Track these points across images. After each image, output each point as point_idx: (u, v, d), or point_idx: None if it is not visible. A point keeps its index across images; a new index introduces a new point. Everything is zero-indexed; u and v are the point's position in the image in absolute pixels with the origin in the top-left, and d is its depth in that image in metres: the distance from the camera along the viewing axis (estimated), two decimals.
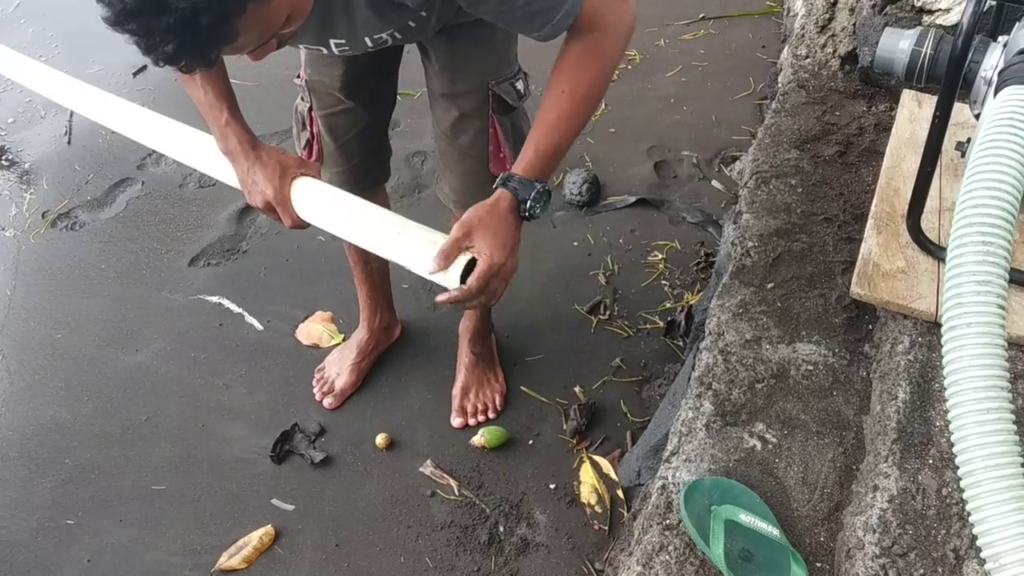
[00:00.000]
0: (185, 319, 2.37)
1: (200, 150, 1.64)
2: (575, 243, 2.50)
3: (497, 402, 2.14)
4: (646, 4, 3.33)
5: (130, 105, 1.83)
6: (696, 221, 2.56)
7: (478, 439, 2.03)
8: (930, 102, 1.89)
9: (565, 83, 1.35)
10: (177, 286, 2.47)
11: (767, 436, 1.47)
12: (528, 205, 1.35)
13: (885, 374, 1.50)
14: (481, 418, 2.12)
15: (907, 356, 1.48)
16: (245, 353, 2.28)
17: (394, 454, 2.05)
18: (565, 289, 2.33)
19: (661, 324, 2.27)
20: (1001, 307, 1.04)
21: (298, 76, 1.80)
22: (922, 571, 1.23)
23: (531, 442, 2.04)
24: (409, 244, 1.37)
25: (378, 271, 2.15)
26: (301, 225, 1.52)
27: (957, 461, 1.01)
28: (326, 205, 1.51)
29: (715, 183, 2.66)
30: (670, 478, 1.44)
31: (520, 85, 1.71)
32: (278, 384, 2.20)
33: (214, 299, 2.42)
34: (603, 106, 2.27)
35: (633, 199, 2.63)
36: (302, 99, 1.81)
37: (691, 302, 2.28)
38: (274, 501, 1.97)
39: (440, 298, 1.32)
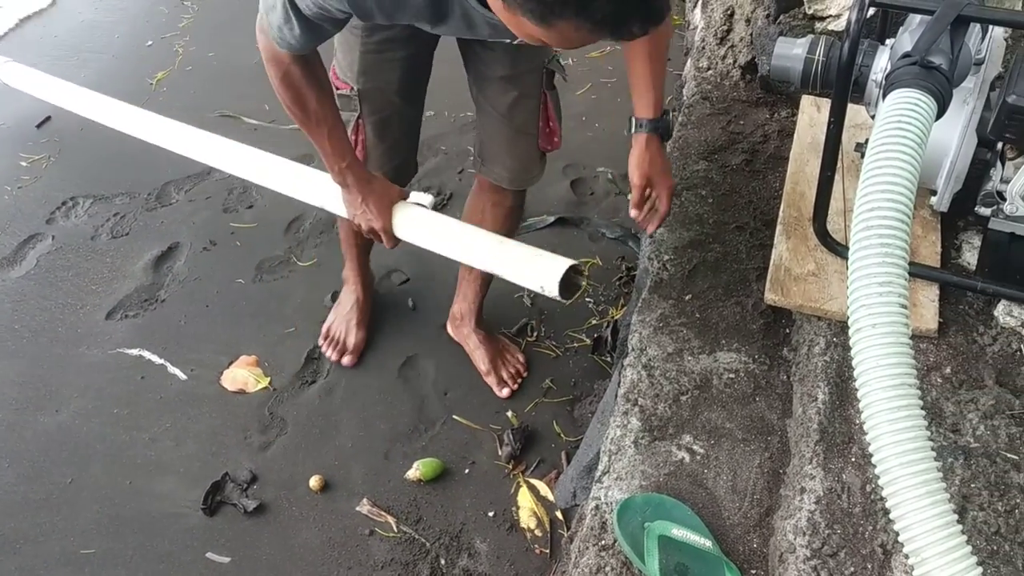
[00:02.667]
0: (105, 375, 2.31)
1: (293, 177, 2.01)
2: None
3: (522, 360, 2.26)
4: None
5: (219, 139, 2.23)
6: (615, 236, 2.58)
7: (413, 472, 2.01)
8: (828, 106, 1.94)
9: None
10: (95, 341, 2.40)
11: (695, 448, 1.48)
12: (669, 134, 1.73)
13: (804, 376, 1.53)
14: (520, 381, 2.23)
15: (824, 357, 1.51)
16: (170, 405, 2.23)
17: (329, 496, 2.01)
18: (491, 313, 2.32)
19: (588, 341, 2.29)
20: (903, 305, 1.07)
21: (337, 89, 1.84)
22: (852, 569, 1.26)
23: (467, 471, 2.03)
24: (515, 260, 1.69)
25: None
26: (397, 244, 1.79)
27: (874, 460, 1.03)
28: (427, 228, 1.78)
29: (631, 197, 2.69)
30: (603, 498, 1.44)
31: (561, 60, 1.86)
32: (206, 434, 2.16)
33: (134, 352, 2.36)
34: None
35: (552, 219, 2.65)
36: (350, 109, 1.85)
37: (616, 317, 2.30)
38: (209, 555, 1.92)
39: (652, 227, 1.75)
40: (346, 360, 2.28)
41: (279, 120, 3.05)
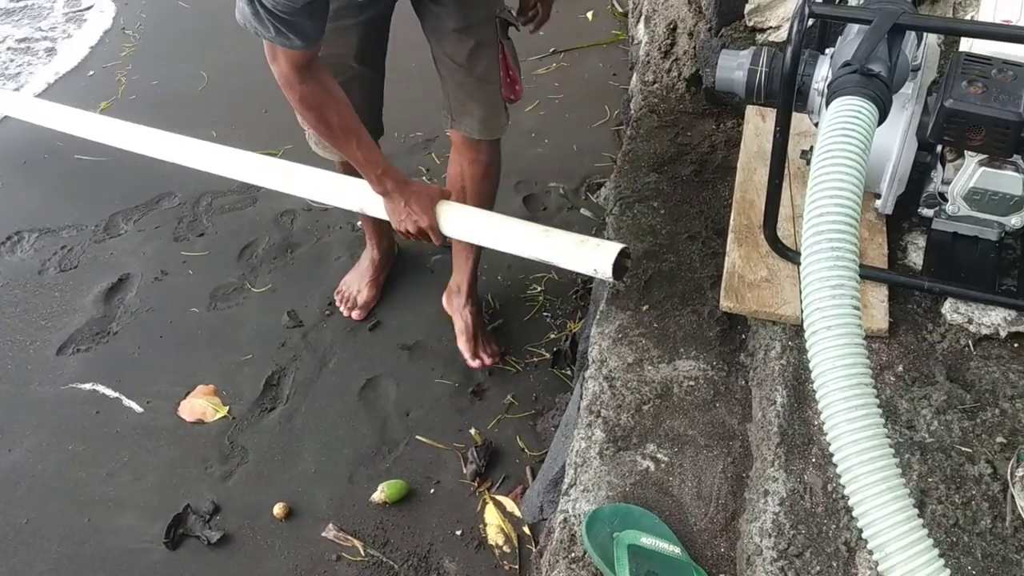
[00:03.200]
0: (58, 411, 2.27)
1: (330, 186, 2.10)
2: None
3: (497, 349, 2.32)
4: None
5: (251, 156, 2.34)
6: None
7: (378, 495, 2.00)
8: (773, 116, 1.97)
9: None
10: (46, 377, 2.36)
11: (659, 456, 1.50)
12: None
13: (762, 380, 1.56)
14: (496, 359, 2.30)
15: (780, 361, 1.54)
16: (127, 438, 2.19)
17: (294, 523, 2.00)
18: (450, 331, 2.33)
19: (548, 355, 2.30)
20: (856, 308, 1.10)
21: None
22: (818, 568, 1.28)
23: (432, 491, 2.03)
24: (562, 247, 1.84)
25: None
26: (447, 243, 1.93)
27: (835, 459, 1.05)
28: (475, 224, 1.94)
29: (584, 211, 2.72)
30: (570, 510, 1.45)
31: (513, 10, 1.97)
32: (164, 466, 2.13)
33: (87, 386, 2.32)
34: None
35: (503, 216, 2.66)
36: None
37: (574, 330, 2.32)
38: None
39: (534, 28, 2.07)
40: (355, 315, 2.44)
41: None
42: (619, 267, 1.76)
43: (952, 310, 1.58)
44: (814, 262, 1.12)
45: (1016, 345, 1.52)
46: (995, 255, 1.58)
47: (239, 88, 3.36)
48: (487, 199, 2.16)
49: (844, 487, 1.04)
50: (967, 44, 1.54)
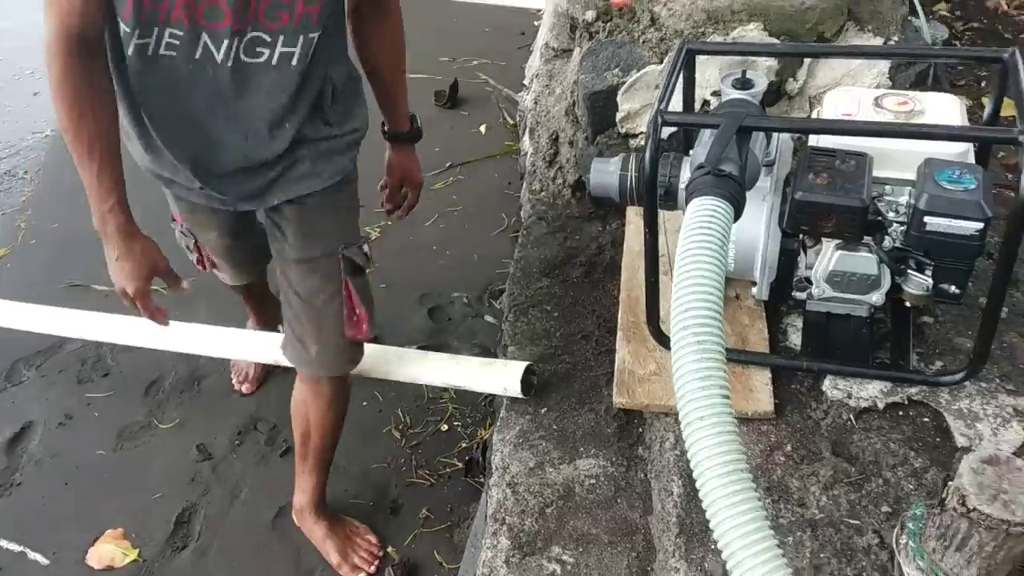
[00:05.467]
0: None
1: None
2: (364, 403, 2.51)
3: (373, 540, 2.13)
4: None
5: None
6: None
7: None
8: None
9: (386, 60, 1.84)
10: None
11: (564, 558, 1.52)
12: (419, 136, 1.98)
13: (660, 472, 1.60)
14: (376, 561, 2.09)
15: (675, 451, 1.58)
16: None
17: None
18: (363, 451, 2.33)
19: (460, 465, 2.30)
20: (725, 396, 1.15)
21: (174, 219, 1.96)
22: None
23: None
24: (470, 371, 1.98)
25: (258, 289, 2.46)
26: (162, 321, 1.69)
27: (719, 545, 1.09)
28: (384, 359, 2.04)
29: (487, 318, 2.77)
30: None
31: (367, 248, 1.85)
32: None
33: None
34: (373, 264, 2.37)
35: (414, 349, 2.69)
36: (183, 234, 1.97)
37: (485, 438, 2.34)
38: None
39: (402, 214, 2.08)
40: (245, 388, 2.54)
41: None
42: (527, 383, 1.84)
43: (832, 387, 1.65)
44: (682, 356, 1.18)
45: (894, 415, 1.60)
46: (867, 331, 1.67)
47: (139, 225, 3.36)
48: (333, 430, 2.03)
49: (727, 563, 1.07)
50: (815, 138, 1.65)
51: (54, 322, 2.59)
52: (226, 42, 1.47)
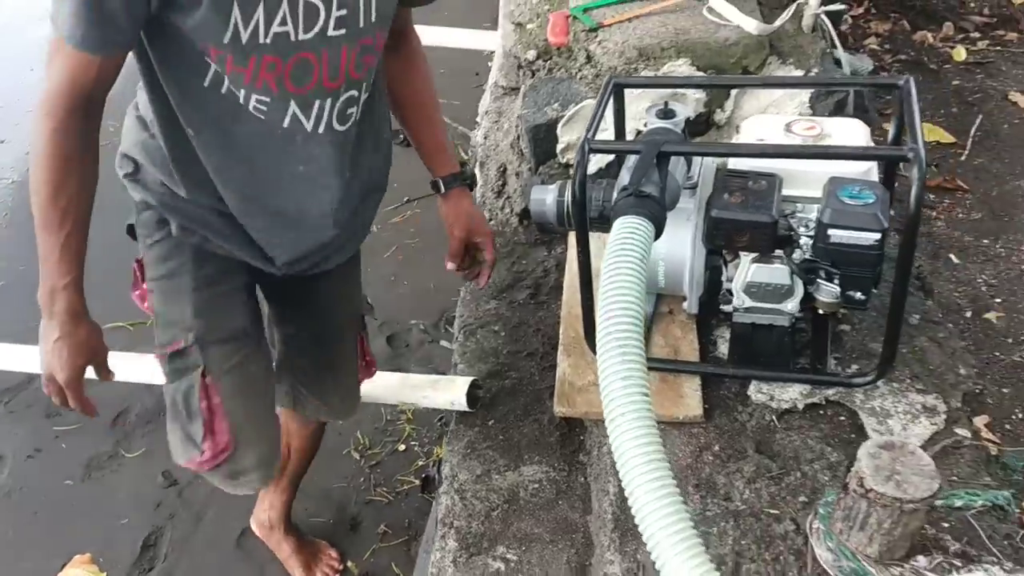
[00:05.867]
0: None
1: None
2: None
3: (335, 555, 2.18)
4: None
5: None
6: None
7: None
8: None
9: (423, 95, 1.73)
10: None
11: (508, 556, 1.62)
12: (475, 182, 1.91)
13: (598, 475, 1.71)
14: (338, 564, 2.17)
15: (612, 455, 1.69)
16: None
17: None
18: (324, 472, 2.41)
19: (417, 482, 2.40)
20: (644, 394, 1.25)
21: (167, 347, 1.56)
22: None
23: None
24: (423, 388, 2.10)
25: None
26: (90, 412, 1.54)
27: (640, 529, 1.20)
28: None
29: (443, 343, 2.88)
30: None
31: (368, 298, 1.95)
32: None
33: None
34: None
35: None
36: (183, 369, 1.56)
37: (440, 455, 2.43)
38: None
39: (484, 279, 1.86)
40: None
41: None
42: (472, 397, 1.96)
43: (756, 391, 1.78)
44: (606, 359, 1.29)
45: (813, 415, 1.73)
46: (788, 339, 1.79)
47: (106, 265, 3.45)
48: (311, 456, 2.09)
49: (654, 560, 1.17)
50: (734, 162, 1.79)
51: (21, 359, 2.67)
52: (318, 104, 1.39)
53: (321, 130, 1.42)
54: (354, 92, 1.43)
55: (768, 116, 1.84)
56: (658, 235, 1.54)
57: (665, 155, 1.60)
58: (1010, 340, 2.23)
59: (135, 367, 2.40)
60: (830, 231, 1.56)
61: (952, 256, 2.52)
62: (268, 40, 1.28)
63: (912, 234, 1.51)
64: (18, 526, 2.43)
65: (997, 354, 2.19)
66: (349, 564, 2.20)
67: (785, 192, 1.66)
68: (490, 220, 2.57)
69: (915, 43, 3.88)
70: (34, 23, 5.00)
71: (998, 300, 2.37)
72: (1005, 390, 2.08)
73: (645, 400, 1.25)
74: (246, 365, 1.61)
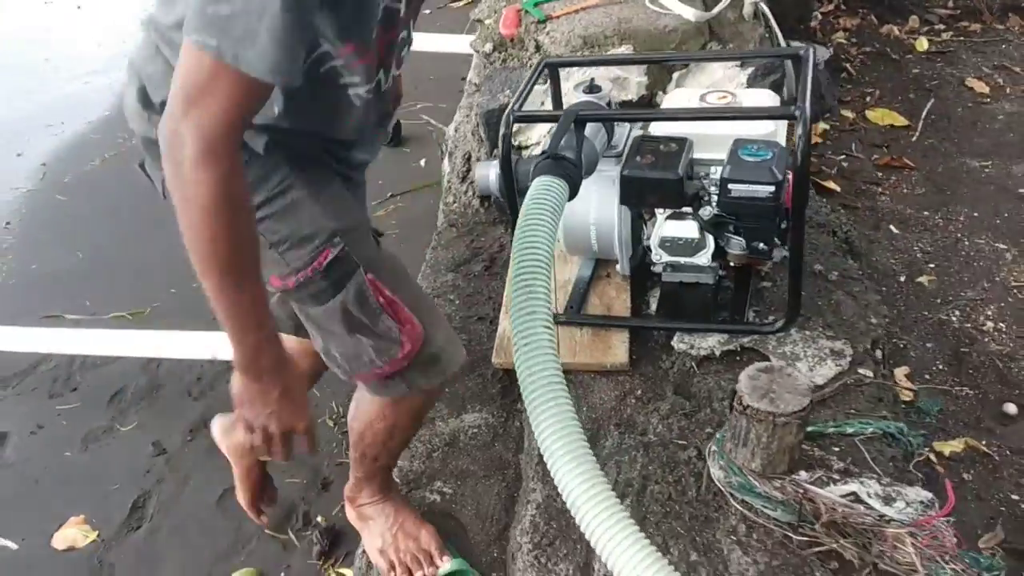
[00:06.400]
0: None
1: None
2: None
3: (434, 548, 1.66)
4: None
5: None
6: None
7: None
8: None
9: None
10: None
11: (444, 490, 1.78)
12: None
13: (529, 418, 1.86)
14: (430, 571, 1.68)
15: None
16: (3, 573, 2.35)
17: None
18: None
19: None
20: (547, 327, 1.39)
21: (313, 263, 1.38)
22: (565, 551, 1.55)
23: (282, 574, 2.24)
24: None
25: None
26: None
27: (540, 448, 1.34)
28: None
29: None
30: None
31: None
32: None
33: None
34: None
35: None
36: (343, 276, 1.41)
37: None
38: None
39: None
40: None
41: (99, 312, 3.30)
42: None
43: (679, 341, 1.93)
44: (517, 300, 1.43)
45: (730, 360, 1.87)
46: (711, 295, 1.94)
47: (109, 262, 3.66)
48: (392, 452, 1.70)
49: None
50: (654, 127, 1.94)
51: (30, 340, 2.86)
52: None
53: (389, 82, 1.47)
54: (405, 33, 1.43)
55: (687, 89, 1.99)
56: (573, 195, 1.69)
57: (581, 121, 1.76)
58: (939, 300, 2.37)
59: (135, 345, 2.56)
60: (730, 185, 1.71)
61: (892, 227, 2.67)
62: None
63: (803, 187, 1.66)
64: (20, 493, 2.60)
65: (925, 313, 2.33)
66: (319, 518, 2.36)
67: (699, 155, 1.81)
68: (453, 203, 2.74)
69: (881, 36, 4.02)
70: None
71: (932, 265, 2.51)
72: (929, 344, 2.22)
73: (548, 333, 1.38)
74: (385, 252, 1.56)
